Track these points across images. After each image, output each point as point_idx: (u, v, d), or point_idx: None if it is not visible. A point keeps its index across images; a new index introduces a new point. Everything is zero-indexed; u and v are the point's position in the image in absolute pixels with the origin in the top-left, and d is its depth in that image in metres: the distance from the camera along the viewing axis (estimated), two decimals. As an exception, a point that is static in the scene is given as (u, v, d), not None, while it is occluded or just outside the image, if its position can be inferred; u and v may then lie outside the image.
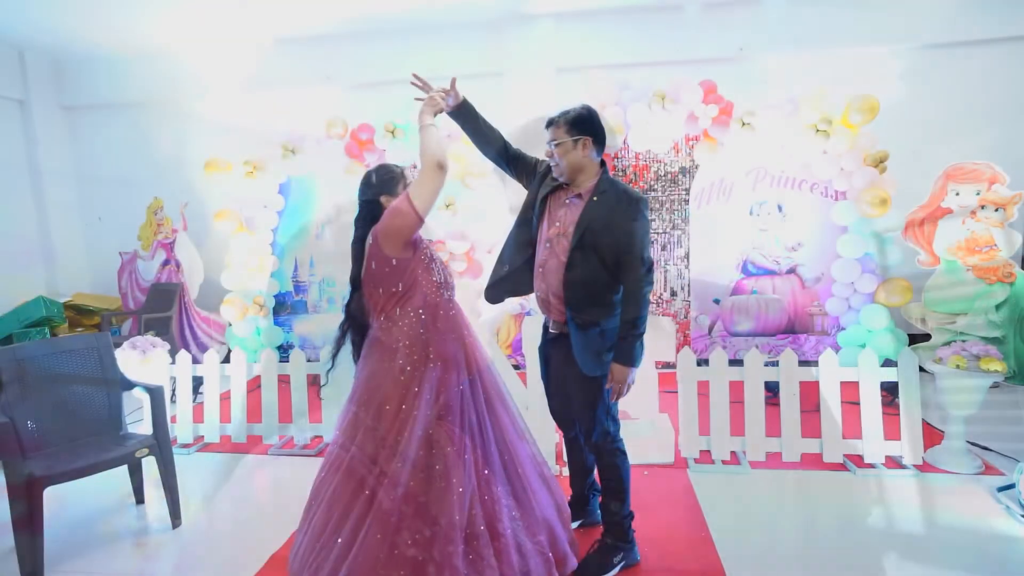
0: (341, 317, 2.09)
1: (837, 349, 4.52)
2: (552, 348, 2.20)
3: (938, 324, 4.36)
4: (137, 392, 2.83)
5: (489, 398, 2.04)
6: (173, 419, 3.62)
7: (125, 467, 2.79)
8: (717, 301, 4.81)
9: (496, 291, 2.21)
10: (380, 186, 1.99)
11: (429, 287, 1.95)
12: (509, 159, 2.25)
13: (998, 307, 4.12)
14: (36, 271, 6.02)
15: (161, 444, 2.59)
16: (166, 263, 5.61)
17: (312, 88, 5.80)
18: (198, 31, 5.48)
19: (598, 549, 2.19)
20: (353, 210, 2.03)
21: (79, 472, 2.33)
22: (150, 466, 2.93)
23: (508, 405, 2.12)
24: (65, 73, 6.08)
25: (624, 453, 2.18)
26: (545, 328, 2.25)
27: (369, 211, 1.99)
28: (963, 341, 3.03)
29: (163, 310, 5.32)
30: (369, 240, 1.96)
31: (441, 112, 2.09)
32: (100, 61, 5.99)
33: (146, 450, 2.54)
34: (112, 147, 6.27)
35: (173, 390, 3.84)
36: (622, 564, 2.18)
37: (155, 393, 2.65)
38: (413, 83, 2.13)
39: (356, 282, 2.02)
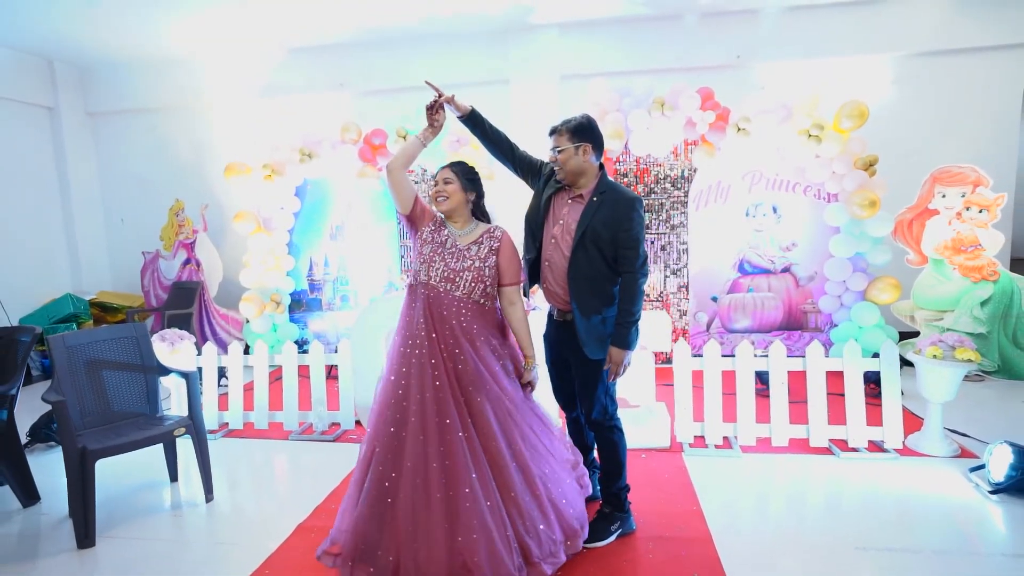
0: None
1: (830, 345, 4.72)
2: (557, 334, 2.41)
3: (926, 321, 4.56)
4: (163, 382, 3.06)
5: (466, 390, 2.12)
6: (200, 407, 3.85)
7: (160, 449, 3.03)
8: (715, 299, 5.01)
9: None
10: None
11: (412, 270, 2.30)
12: (516, 161, 2.47)
13: (983, 304, 4.31)
14: (62, 270, 6.29)
15: (196, 424, 2.81)
16: (187, 262, 5.85)
17: (326, 94, 6.06)
18: (217, 41, 5.75)
19: (597, 518, 2.40)
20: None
21: (126, 447, 2.57)
22: (182, 448, 3.18)
23: (502, 399, 2.17)
24: (91, 81, 6.36)
25: (621, 430, 2.40)
26: (550, 316, 2.46)
27: None
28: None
29: (184, 307, 5.57)
30: None
31: (439, 126, 2.31)
32: (124, 69, 6.26)
33: (183, 429, 2.77)
34: (135, 151, 6.55)
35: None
36: (619, 532, 2.39)
37: (190, 378, 2.88)
38: (428, 84, 2.36)
39: None
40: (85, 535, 2.44)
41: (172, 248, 5.95)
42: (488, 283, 2.21)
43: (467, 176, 2.27)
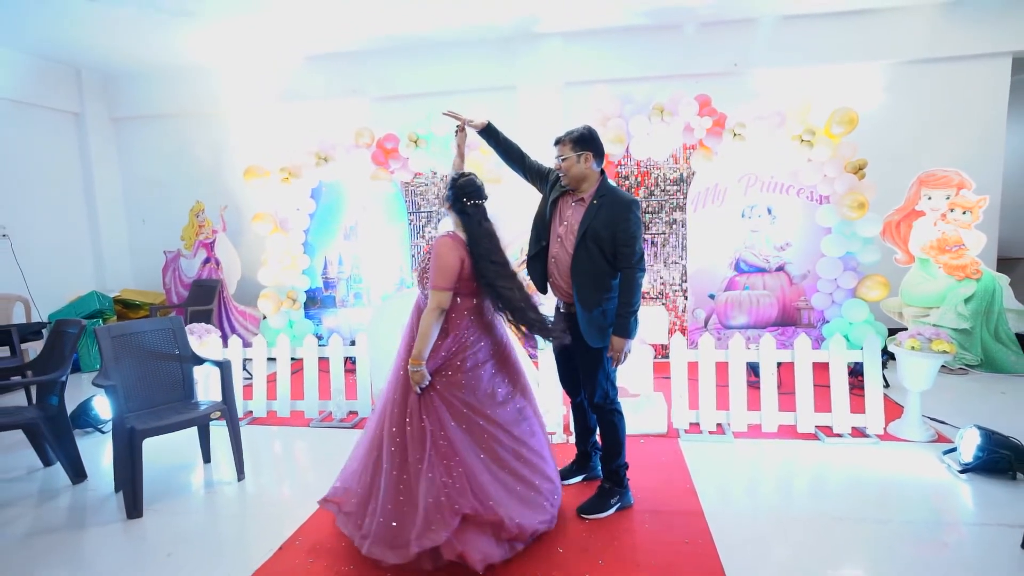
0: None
1: (822, 340, 4.94)
2: (562, 325, 2.64)
3: (913, 317, 4.78)
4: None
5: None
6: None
7: (193, 433, 3.29)
8: (712, 296, 5.23)
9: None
10: None
11: None
12: (526, 168, 2.72)
13: (967, 301, 4.53)
14: (87, 268, 6.57)
15: (230, 408, 3.06)
16: (207, 261, 6.11)
17: (341, 100, 6.30)
18: (236, 49, 6.01)
19: (598, 493, 2.63)
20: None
21: (169, 427, 2.82)
22: (213, 433, 3.43)
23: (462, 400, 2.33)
24: (115, 88, 6.64)
25: (620, 413, 2.63)
26: (556, 308, 2.70)
27: None
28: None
29: (204, 304, 5.83)
30: None
31: (463, 148, 2.69)
32: (147, 77, 6.54)
33: (218, 413, 3.02)
34: (156, 155, 6.82)
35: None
36: (618, 506, 2.62)
37: (224, 366, 3.12)
38: (446, 114, 2.66)
39: None
40: (134, 506, 2.68)
41: (193, 247, 6.22)
42: (419, 283, 2.41)
43: (447, 187, 2.42)
